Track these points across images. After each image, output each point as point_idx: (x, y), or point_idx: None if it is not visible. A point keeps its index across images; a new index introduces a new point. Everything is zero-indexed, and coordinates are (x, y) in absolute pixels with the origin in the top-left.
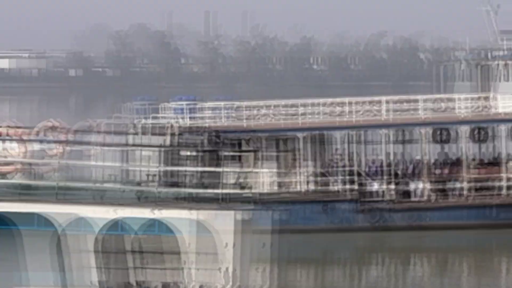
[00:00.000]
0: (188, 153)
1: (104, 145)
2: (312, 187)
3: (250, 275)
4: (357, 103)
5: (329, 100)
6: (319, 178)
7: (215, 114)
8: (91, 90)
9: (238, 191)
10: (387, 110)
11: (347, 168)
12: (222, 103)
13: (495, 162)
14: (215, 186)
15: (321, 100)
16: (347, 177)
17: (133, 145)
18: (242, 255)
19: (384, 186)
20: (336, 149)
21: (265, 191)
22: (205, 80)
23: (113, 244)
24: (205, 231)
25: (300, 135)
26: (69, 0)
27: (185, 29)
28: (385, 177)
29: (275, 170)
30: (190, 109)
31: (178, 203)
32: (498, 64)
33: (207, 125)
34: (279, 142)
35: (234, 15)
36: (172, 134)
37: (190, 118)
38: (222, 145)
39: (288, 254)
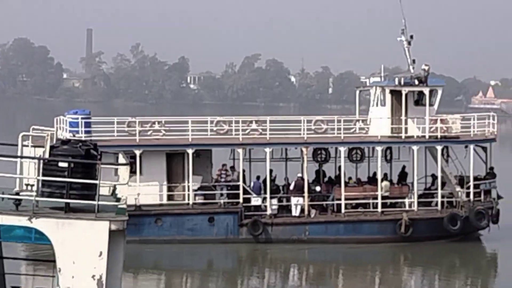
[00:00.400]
0: (66, 165)
1: None
2: (199, 200)
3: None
4: (244, 122)
5: (217, 118)
6: (206, 192)
7: (109, 128)
8: None
9: (113, 202)
10: (271, 130)
11: (232, 183)
12: (115, 118)
13: (370, 181)
14: (91, 197)
15: (210, 118)
16: (232, 192)
17: (10, 156)
18: (115, 264)
19: (267, 201)
20: (223, 165)
21: (154, 203)
22: (85, 95)
23: None
24: (80, 240)
25: (189, 150)
26: None
27: (68, 45)
28: (267, 192)
29: (164, 183)
30: (85, 123)
31: (54, 213)
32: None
33: (97, 139)
34: (170, 157)
35: (115, 33)
36: (52, 146)
37: (85, 132)
38: (99, 157)
39: (175, 263)
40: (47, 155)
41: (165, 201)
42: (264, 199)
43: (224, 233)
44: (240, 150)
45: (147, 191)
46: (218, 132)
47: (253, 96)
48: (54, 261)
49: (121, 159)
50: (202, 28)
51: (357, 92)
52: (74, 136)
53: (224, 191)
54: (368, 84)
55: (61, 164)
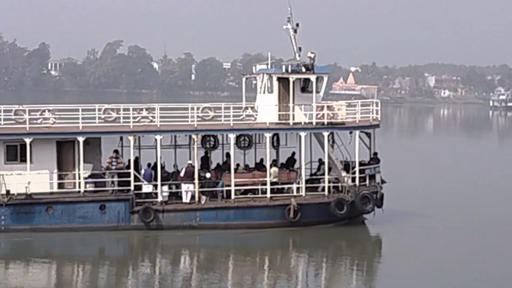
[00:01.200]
0: None
1: None
2: (90, 187)
3: None
4: (134, 109)
5: (105, 105)
6: (96, 180)
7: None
8: None
9: None
10: (161, 117)
11: (123, 171)
12: (1, 106)
13: (258, 167)
14: None
15: (98, 105)
16: (123, 179)
17: None
18: None
19: (158, 188)
20: (115, 151)
21: (44, 191)
22: None
23: None
24: None
25: (80, 138)
26: None
27: None
28: (158, 179)
29: (55, 171)
30: None
31: None
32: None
33: None
34: (61, 145)
35: None
36: None
37: None
38: None
39: (66, 251)
40: None
41: (55, 189)
42: (155, 186)
43: (116, 220)
44: (130, 138)
45: (37, 179)
46: (106, 119)
47: (115, 82)
48: None
49: None
50: (63, 13)
51: (244, 79)
52: None
53: (115, 179)
54: (254, 71)
55: None
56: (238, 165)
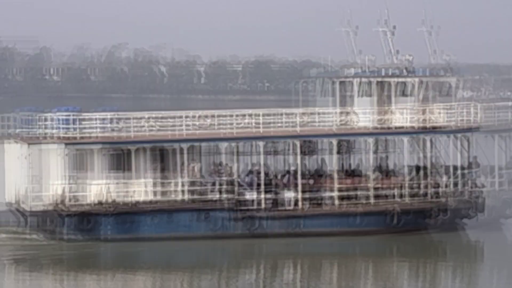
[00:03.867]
0: None
1: None
2: (191, 196)
3: None
4: (236, 116)
5: (199, 112)
6: (198, 188)
7: (103, 124)
8: None
9: None
10: (261, 123)
11: (225, 178)
12: (108, 114)
13: (357, 173)
14: None
15: (192, 112)
16: (225, 187)
17: None
18: None
19: (261, 195)
20: (219, 161)
21: (146, 199)
22: None
23: None
24: None
25: (184, 146)
26: None
27: None
28: (261, 186)
29: (158, 179)
30: (75, 119)
31: None
32: (355, 81)
33: (95, 135)
34: (163, 153)
35: None
36: None
37: (78, 128)
38: None
39: (169, 260)
40: None
41: (159, 197)
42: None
43: (220, 228)
44: (234, 144)
45: (141, 187)
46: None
47: (121, 87)
48: None
49: None
50: (65, 16)
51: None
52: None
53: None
54: (313, 75)
55: None
56: (339, 171)
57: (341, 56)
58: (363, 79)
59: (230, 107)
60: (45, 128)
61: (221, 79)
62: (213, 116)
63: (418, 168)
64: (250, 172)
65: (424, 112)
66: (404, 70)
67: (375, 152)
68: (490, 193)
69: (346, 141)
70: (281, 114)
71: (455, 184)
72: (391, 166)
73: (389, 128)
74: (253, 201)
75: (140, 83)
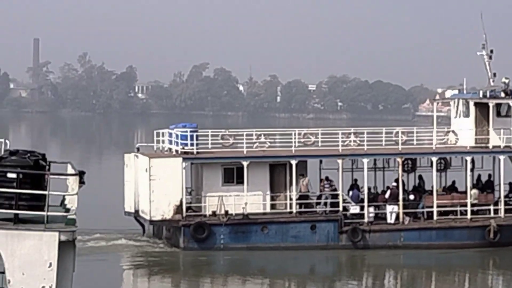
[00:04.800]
0: (14, 175)
1: None
2: (300, 208)
3: None
4: (344, 134)
5: (304, 130)
6: (306, 201)
7: (214, 140)
8: None
9: (62, 213)
10: (365, 141)
11: (331, 192)
12: (222, 131)
13: (454, 190)
14: (40, 208)
15: (297, 130)
16: (331, 200)
17: None
18: (65, 275)
19: (364, 209)
20: (326, 177)
21: (258, 211)
22: (33, 105)
23: None
24: (29, 251)
25: (293, 161)
26: None
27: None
28: (365, 201)
29: (268, 192)
30: (192, 136)
31: (3, 224)
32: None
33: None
34: (273, 168)
35: (62, 42)
36: (0, 157)
37: (191, 145)
38: (48, 167)
39: (279, 269)
40: None
41: (268, 209)
42: (362, 207)
43: (325, 239)
44: (339, 161)
45: (252, 200)
46: (306, 143)
47: (201, 105)
48: (3, 272)
49: (70, 169)
50: (149, 37)
51: (435, 104)
52: (183, 148)
53: (328, 200)
54: (446, 96)
55: (9, 175)
56: (432, 187)
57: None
58: (461, 100)
59: (305, 125)
60: (164, 142)
61: (296, 98)
62: (317, 134)
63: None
64: (353, 187)
65: None
66: (502, 92)
67: (471, 170)
68: None
69: (444, 159)
70: (383, 133)
71: None
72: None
73: (486, 147)
74: (357, 214)
75: (220, 101)
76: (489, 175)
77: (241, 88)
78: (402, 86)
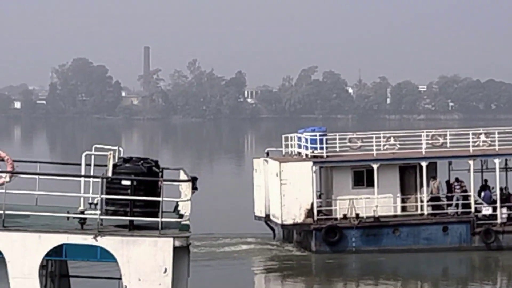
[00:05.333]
0: (129, 183)
1: (44, 174)
2: (431, 210)
3: None
4: (475, 134)
5: (432, 131)
6: (438, 202)
7: (343, 144)
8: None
9: (176, 219)
10: (496, 141)
11: (463, 194)
12: (349, 134)
13: None
14: (154, 215)
15: (425, 131)
16: (463, 202)
17: (71, 175)
18: (180, 280)
19: (498, 210)
20: (456, 179)
21: (389, 214)
22: (144, 112)
23: (57, 269)
24: (145, 257)
25: (423, 163)
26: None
27: (126, 63)
28: (497, 201)
29: (398, 195)
30: (322, 139)
31: (119, 231)
32: None
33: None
34: (403, 170)
35: (172, 50)
36: (115, 165)
37: (320, 148)
38: (160, 174)
39: (411, 271)
40: (110, 174)
41: (399, 212)
42: (494, 208)
43: (458, 241)
44: (470, 162)
45: (383, 202)
46: (434, 145)
47: (310, 108)
48: (120, 278)
49: (182, 175)
50: (258, 41)
51: None
52: (313, 152)
53: (460, 201)
54: None
55: (124, 182)
56: None
57: None
58: None
59: (416, 126)
60: (293, 147)
61: (406, 99)
62: (445, 135)
63: None
64: (484, 188)
65: None
66: None
67: None
68: None
69: None
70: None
71: None
72: None
73: None
74: (489, 215)
75: (329, 104)
76: None
77: (350, 90)
78: None
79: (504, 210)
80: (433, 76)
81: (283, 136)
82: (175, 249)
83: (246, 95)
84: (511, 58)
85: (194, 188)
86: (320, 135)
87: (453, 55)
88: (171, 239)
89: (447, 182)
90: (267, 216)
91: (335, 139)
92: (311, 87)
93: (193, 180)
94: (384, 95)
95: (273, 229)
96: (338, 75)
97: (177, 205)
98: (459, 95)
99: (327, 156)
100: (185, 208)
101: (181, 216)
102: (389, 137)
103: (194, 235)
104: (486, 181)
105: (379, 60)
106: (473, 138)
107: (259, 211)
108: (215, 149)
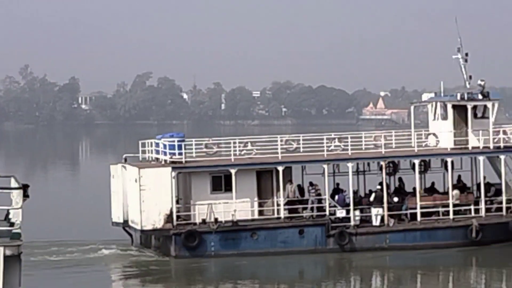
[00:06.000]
0: None
1: None
2: (287, 214)
3: None
4: (328, 139)
5: (286, 136)
6: (294, 206)
7: (200, 149)
8: None
9: (7, 227)
10: (349, 146)
11: (317, 197)
12: (205, 140)
13: (435, 190)
14: None
15: (280, 137)
16: (317, 205)
17: None
18: None
19: (351, 213)
20: (310, 182)
21: (246, 218)
22: None
23: None
24: None
25: (280, 168)
26: None
27: None
28: (350, 204)
29: (255, 199)
30: (180, 145)
31: None
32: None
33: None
34: (260, 174)
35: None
36: None
37: (179, 154)
38: None
39: (269, 274)
40: None
41: (256, 216)
42: (348, 211)
43: (313, 244)
44: (325, 166)
45: (241, 207)
46: (288, 149)
47: (146, 114)
48: None
49: (14, 183)
50: (91, 47)
51: (412, 107)
52: (171, 158)
53: (315, 205)
54: (424, 99)
55: None
56: (414, 189)
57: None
58: (439, 103)
59: (250, 131)
60: (154, 153)
61: (240, 105)
62: (298, 140)
63: (490, 185)
64: (338, 190)
65: (498, 132)
66: (480, 95)
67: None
68: None
69: (424, 161)
70: (365, 137)
71: None
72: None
73: (466, 148)
74: (343, 218)
75: (165, 110)
76: (459, 176)
77: (185, 96)
78: (346, 90)
79: (357, 212)
80: (266, 82)
81: (140, 142)
82: (6, 258)
83: (80, 101)
84: (341, 64)
85: (25, 196)
86: (178, 141)
87: (285, 61)
88: (1, 248)
89: (299, 186)
90: (125, 222)
91: (192, 144)
92: (146, 93)
93: (25, 187)
94: (219, 101)
95: (131, 235)
96: (172, 81)
97: (8, 213)
98: (292, 100)
99: (186, 162)
100: (16, 216)
101: (12, 224)
102: (247, 142)
103: (45, 243)
104: (338, 184)
105: (214, 66)
106: (327, 142)
107: (117, 217)
108: (49, 155)
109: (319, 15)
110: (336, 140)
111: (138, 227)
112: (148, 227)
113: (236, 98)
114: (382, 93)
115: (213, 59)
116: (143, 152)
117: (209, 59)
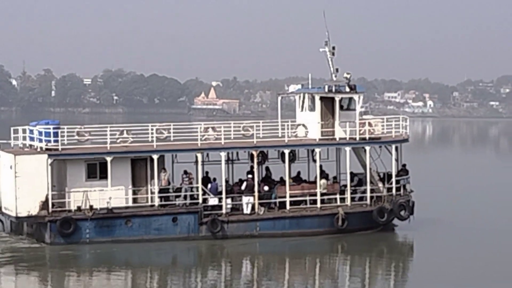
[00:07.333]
0: None
1: None
2: (160, 201)
3: None
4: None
5: (157, 125)
6: (166, 194)
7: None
8: None
9: None
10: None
11: (191, 186)
12: (77, 127)
13: (301, 179)
14: None
15: (151, 125)
16: (191, 193)
17: None
18: None
19: (223, 201)
20: (184, 170)
21: (121, 205)
22: None
23: None
24: None
25: (155, 156)
26: None
27: None
28: (223, 193)
29: (130, 187)
30: (56, 132)
31: None
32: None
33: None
34: (134, 162)
35: None
36: None
37: (54, 141)
38: None
39: (142, 261)
40: None
41: (131, 203)
42: (220, 199)
43: (186, 231)
44: (198, 155)
45: (116, 194)
46: (159, 138)
47: None
48: None
49: None
50: None
51: (279, 98)
52: (47, 145)
53: (188, 193)
54: (292, 91)
55: None
56: (281, 178)
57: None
58: (307, 95)
59: (80, 119)
60: (28, 139)
61: (71, 92)
62: (169, 128)
63: (353, 175)
64: (207, 179)
65: (363, 124)
66: (347, 87)
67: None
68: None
69: (293, 151)
70: (238, 127)
71: (392, 189)
72: (333, 174)
73: (333, 139)
74: (215, 206)
75: None
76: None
77: (14, 82)
78: (178, 79)
79: (229, 201)
80: (98, 70)
81: (12, 128)
82: None
83: None
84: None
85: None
86: (54, 128)
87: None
88: None
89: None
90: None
91: (68, 132)
92: None
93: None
94: (49, 88)
95: (1, 221)
96: (1, 66)
97: None
98: (123, 89)
99: (62, 149)
100: None
101: None
102: (123, 130)
103: None
104: (207, 173)
105: (44, 52)
106: (201, 132)
107: None
108: None
109: (158, 6)
110: (211, 129)
111: (13, 214)
112: (23, 214)
113: (66, 86)
114: (214, 83)
115: (44, 45)
116: (15, 139)
117: (40, 45)
